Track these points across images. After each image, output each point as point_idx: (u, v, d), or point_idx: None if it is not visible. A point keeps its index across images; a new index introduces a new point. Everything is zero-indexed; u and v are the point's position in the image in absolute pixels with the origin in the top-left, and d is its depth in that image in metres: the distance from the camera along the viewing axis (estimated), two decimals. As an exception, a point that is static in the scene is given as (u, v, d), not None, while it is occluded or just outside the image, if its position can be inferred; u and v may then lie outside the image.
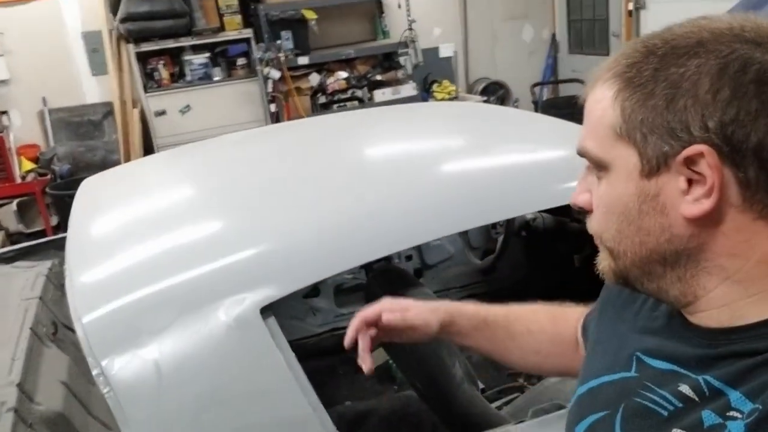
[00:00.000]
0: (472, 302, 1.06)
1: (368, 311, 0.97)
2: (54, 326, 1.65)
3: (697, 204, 0.60)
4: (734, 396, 0.60)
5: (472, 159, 1.61)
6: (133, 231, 1.38)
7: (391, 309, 0.98)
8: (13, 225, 4.41)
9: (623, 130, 0.63)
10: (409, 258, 2.55)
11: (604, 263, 0.71)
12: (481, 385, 1.58)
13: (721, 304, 0.64)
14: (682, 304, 0.67)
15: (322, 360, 2.36)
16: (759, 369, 0.59)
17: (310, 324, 2.43)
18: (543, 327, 1.01)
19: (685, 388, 0.64)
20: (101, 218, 1.52)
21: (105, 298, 1.18)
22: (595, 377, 0.76)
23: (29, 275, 1.81)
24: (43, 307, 1.67)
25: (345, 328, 2.50)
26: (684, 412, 0.63)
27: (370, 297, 1.51)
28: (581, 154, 0.69)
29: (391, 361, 2.08)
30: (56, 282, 1.76)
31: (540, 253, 2.43)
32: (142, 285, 1.19)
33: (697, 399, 0.63)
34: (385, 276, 1.41)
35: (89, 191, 1.80)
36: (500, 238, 2.45)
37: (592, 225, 0.70)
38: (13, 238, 4.38)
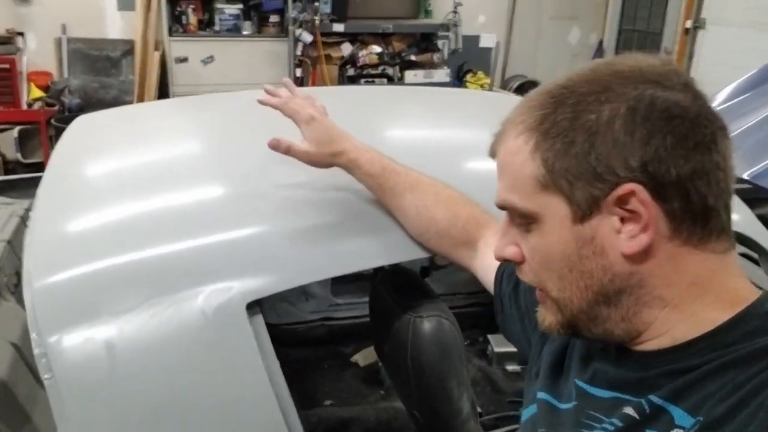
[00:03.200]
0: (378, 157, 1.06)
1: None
2: (17, 276, 1.46)
3: (634, 240, 0.63)
4: (677, 413, 0.61)
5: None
6: (115, 186, 1.18)
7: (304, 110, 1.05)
8: (11, 153, 4.24)
9: (548, 180, 0.64)
10: None
11: (549, 319, 0.70)
12: (478, 410, 1.44)
13: (662, 332, 0.65)
14: (627, 341, 0.68)
15: (310, 350, 2.19)
16: (698, 383, 0.61)
17: (301, 309, 2.23)
18: (454, 213, 1.03)
19: (629, 410, 0.65)
20: (84, 165, 1.31)
21: (66, 262, 0.98)
22: (550, 394, 0.78)
23: (2, 214, 1.63)
24: (10, 252, 1.50)
25: (338, 319, 2.32)
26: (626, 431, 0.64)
27: (376, 297, 1.32)
28: (504, 207, 0.70)
29: (381, 364, 1.91)
30: (30, 226, 1.58)
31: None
32: (112, 253, 0.99)
33: (638, 418, 0.64)
34: (394, 278, 1.21)
35: (80, 130, 1.60)
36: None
37: (527, 276, 0.71)
38: (9, 166, 4.23)
